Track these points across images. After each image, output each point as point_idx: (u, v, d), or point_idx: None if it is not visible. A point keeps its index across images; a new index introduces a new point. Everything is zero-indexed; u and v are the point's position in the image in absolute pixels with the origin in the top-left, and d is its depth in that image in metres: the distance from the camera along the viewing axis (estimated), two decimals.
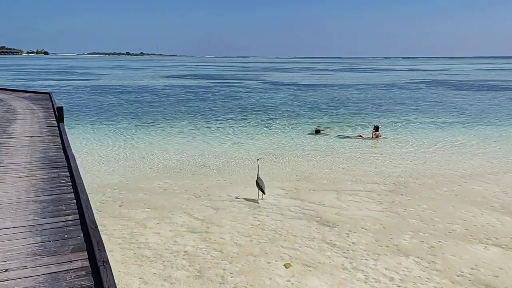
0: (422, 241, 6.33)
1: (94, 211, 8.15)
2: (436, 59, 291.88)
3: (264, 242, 6.54)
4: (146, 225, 7.23)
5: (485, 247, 6.07)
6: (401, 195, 8.65)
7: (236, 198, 8.59)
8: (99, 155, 12.45)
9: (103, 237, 3.97)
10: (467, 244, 6.18)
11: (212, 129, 17.15)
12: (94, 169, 10.92)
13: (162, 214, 7.76)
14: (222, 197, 8.72)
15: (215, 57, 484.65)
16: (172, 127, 17.52)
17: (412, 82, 47.70)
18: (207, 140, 14.93)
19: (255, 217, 7.57)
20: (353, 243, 6.42)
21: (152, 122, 18.65)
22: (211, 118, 20.13)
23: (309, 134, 15.84)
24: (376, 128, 15.16)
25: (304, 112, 22.27)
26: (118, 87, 39.79)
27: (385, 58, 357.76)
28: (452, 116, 20.30)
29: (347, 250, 6.20)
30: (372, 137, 14.88)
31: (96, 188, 9.32)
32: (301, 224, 7.21)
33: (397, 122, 18.55)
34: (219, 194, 8.91)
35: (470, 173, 10.08)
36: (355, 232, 6.79)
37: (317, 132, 15.57)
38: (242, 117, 20.29)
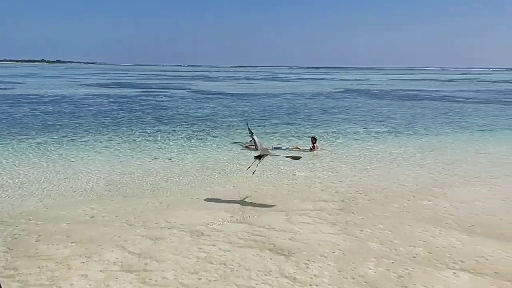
0: (389, 270, 5.80)
1: (3, 249, 6.78)
2: (357, 69, 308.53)
3: (214, 280, 5.63)
4: (70, 266, 5.99)
5: (454, 272, 5.68)
6: (353, 213, 8.18)
7: (175, 223, 7.57)
8: (9, 177, 10.69)
9: (14, 286, 2.88)
10: (434, 270, 5.75)
11: (141, 142, 15.80)
12: (4, 195, 9.26)
13: (90, 249, 6.53)
14: (160, 223, 7.65)
15: (142, 65, 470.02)
16: (96, 141, 15.87)
17: (337, 92, 49.24)
18: (136, 155, 13.61)
19: (200, 248, 6.62)
20: (315, 275, 5.72)
21: (73, 136, 16.82)
22: (138, 130, 18.68)
23: (245, 146, 15.11)
24: (314, 140, 14.86)
25: (236, 123, 21.57)
26: (33, 96, 36.31)
27: (312, 68, 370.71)
28: (383, 125, 20.78)
29: (310, 285, 5.49)
30: (310, 149, 14.54)
31: (6, 219, 7.81)
32: (253, 254, 6.39)
33: (331, 132, 18.51)
34: (156, 220, 7.83)
35: (416, 187, 9.94)
36: (314, 262, 6.11)
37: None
38: (172, 129, 19.09)
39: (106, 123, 20.81)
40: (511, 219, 7.81)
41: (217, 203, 8.81)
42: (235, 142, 15.92)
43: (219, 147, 15.19)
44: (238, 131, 18.92)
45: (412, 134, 18.10)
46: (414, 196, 9.23)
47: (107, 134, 17.48)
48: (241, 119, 23.41)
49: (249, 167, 9.79)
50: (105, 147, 14.88)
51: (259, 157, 9.31)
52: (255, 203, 8.83)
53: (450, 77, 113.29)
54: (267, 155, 9.26)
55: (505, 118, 24.12)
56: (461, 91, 52.17)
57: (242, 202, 8.91)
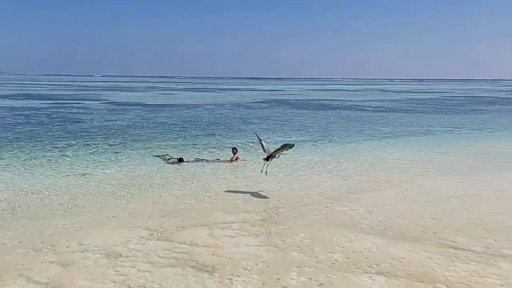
0: (310, 278, 5.90)
1: None
2: (274, 80, 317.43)
3: None
4: None
5: (370, 277, 5.93)
6: (276, 224, 8.26)
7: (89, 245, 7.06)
8: None
9: None
10: (353, 275, 5.96)
11: (51, 158, 14.67)
12: None
13: None
14: (72, 247, 7.08)
15: (53, 74, 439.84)
16: None
17: (256, 102, 50.16)
18: (45, 172, 12.59)
19: (117, 271, 6.22)
20: None
21: None
22: (48, 145, 17.36)
23: (166, 160, 14.71)
24: (235, 150, 14.89)
25: (155, 135, 21.00)
26: None
27: (231, 78, 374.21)
28: (301, 134, 21.49)
29: None
30: (231, 160, 14.55)
31: None
32: (175, 273, 6.15)
33: (252, 142, 18.69)
34: (67, 243, 7.23)
35: (334, 194, 10.33)
36: (238, 276, 6.03)
37: (180, 160, 14.30)
38: (86, 143, 18.02)
39: (9, 137, 19.07)
40: (419, 221, 8.39)
41: (135, 221, 8.39)
42: (156, 156, 15.42)
43: (138, 161, 14.60)
44: (158, 143, 18.40)
45: (328, 143, 18.91)
46: (332, 203, 9.57)
47: (11, 150, 16.01)
48: (161, 130, 22.83)
49: (261, 170, 11.09)
50: (8, 164, 13.59)
51: (267, 159, 10.85)
52: (176, 219, 8.56)
53: (359, 88, 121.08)
54: (274, 156, 10.75)
55: (408, 126, 26.21)
56: (369, 100, 55.92)
57: (163, 218, 8.58)
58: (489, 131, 23.61)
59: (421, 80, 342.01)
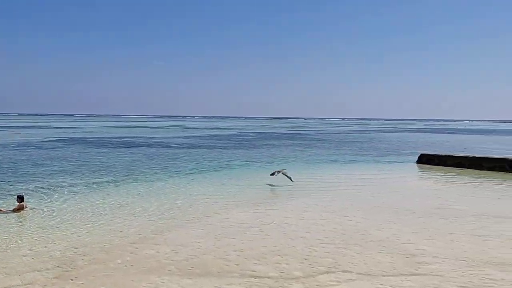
0: None
1: None
2: (70, 116, 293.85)
3: None
4: None
5: None
6: (72, 280, 7.30)
7: None
8: None
9: None
10: None
11: None
12: None
13: None
14: None
15: None
16: None
17: (48, 141, 45.33)
18: None
19: None
20: None
21: None
22: None
23: None
24: (21, 199, 12.87)
25: None
26: None
27: (18, 114, 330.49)
28: (102, 175, 20.13)
29: None
30: (15, 210, 12.51)
31: None
32: None
33: (43, 188, 16.60)
34: None
35: (139, 237, 9.84)
36: None
37: None
38: None
39: None
40: (223, 254, 8.66)
41: None
42: None
43: None
44: None
45: (132, 182, 18.21)
46: (137, 247, 9.08)
47: None
48: None
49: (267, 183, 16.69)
50: None
51: (273, 174, 18.00)
52: None
53: (163, 124, 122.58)
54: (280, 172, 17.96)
55: (210, 161, 27.53)
56: (173, 137, 56.99)
57: None
58: (278, 163, 26.64)
59: (193, 117, 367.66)
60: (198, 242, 9.50)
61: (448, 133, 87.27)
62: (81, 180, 18.59)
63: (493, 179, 20.52)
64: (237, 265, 8.04)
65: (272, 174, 17.96)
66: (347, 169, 23.80)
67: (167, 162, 26.26)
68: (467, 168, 24.30)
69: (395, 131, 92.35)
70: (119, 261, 8.23)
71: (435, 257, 8.62)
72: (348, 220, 11.83)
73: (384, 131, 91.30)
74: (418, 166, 26.35)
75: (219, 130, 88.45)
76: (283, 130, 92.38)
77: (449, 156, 26.58)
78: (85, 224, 11.14)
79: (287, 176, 17.65)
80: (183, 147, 39.42)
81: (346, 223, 11.42)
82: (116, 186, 17.24)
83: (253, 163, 27.05)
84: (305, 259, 8.42)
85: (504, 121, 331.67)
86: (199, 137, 58.98)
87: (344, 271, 7.78)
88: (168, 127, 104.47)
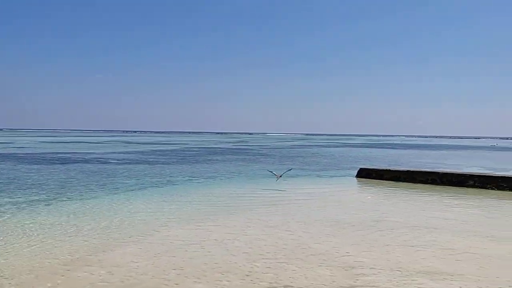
0: None
1: None
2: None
3: None
4: None
5: None
6: None
7: None
8: None
9: None
10: None
11: None
12: None
13: None
14: None
15: None
16: None
17: None
18: None
19: None
20: None
21: None
22: None
23: None
24: None
25: None
26: None
27: None
28: (33, 193, 18.88)
29: None
30: None
31: None
32: None
33: None
34: None
35: (71, 259, 9.26)
36: None
37: None
38: None
39: None
40: (162, 274, 8.37)
41: None
42: None
43: None
44: None
45: (66, 200, 17.25)
46: (68, 270, 8.53)
47: None
48: None
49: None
50: None
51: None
52: None
53: (103, 139, 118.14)
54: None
55: (151, 177, 26.82)
56: (113, 153, 54.98)
57: None
58: (221, 179, 26.49)
59: (135, 132, 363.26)
60: (136, 262, 9.13)
61: (387, 147, 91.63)
62: (9, 199, 17.33)
63: (425, 191, 21.72)
64: (177, 284, 7.80)
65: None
66: (289, 184, 24.15)
67: (105, 179, 25.21)
68: (402, 181, 25.59)
69: (337, 146, 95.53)
70: (49, 284, 7.69)
71: (372, 268, 8.89)
72: (290, 234, 11.93)
73: (327, 146, 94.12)
74: (357, 180, 27.32)
75: (162, 145, 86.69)
76: (227, 145, 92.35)
77: (386, 170, 27.83)
78: (13, 246, 10.35)
79: (283, 174, 23.89)
80: (123, 163, 38.12)
81: (287, 238, 11.51)
82: (48, 205, 16.23)
83: (196, 178, 26.69)
84: (247, 275, 8.34)
85: (436, 137, 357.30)
86: (141, 152, 57.39)
87: (285, 286, 7.79)
88: (108, 142, 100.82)
